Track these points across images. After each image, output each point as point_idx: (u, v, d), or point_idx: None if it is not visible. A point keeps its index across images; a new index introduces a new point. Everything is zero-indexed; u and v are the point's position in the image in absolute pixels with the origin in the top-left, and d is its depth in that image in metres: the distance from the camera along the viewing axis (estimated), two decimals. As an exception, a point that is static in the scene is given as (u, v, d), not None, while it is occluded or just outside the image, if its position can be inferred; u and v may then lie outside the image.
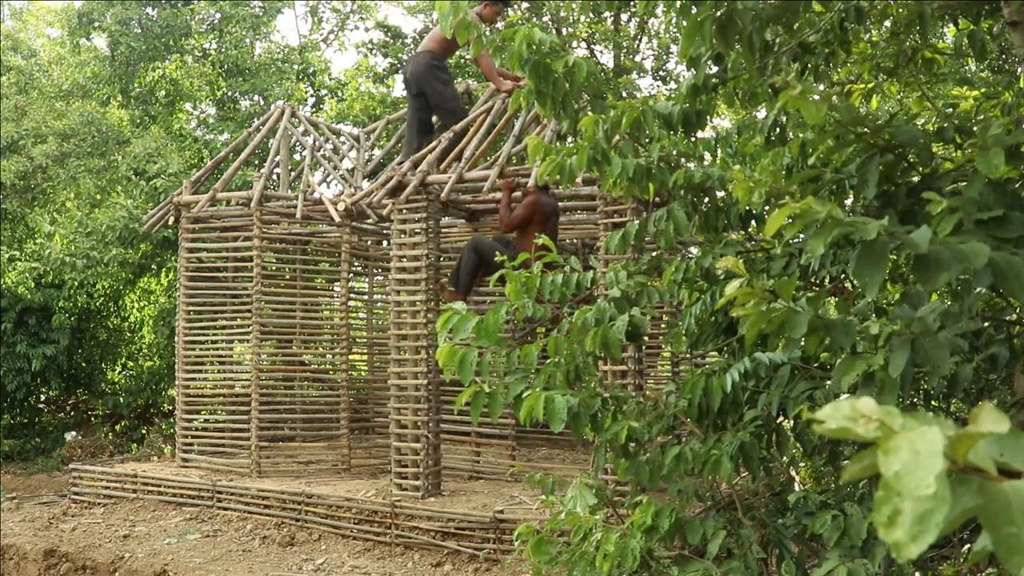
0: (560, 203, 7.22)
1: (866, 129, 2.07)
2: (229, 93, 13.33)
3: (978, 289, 1.72)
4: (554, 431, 2.75)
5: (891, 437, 0.69)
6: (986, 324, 2.57)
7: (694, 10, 2.48)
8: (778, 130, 3.07)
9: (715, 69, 2.93)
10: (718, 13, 2.33)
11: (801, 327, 1.52)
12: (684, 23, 2.45)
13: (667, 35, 13.80)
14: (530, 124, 7.08)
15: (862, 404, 0.73)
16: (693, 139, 3.25)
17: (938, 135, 2.25)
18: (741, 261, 1.63)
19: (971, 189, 1.84)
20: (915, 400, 3.51)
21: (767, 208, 2.92)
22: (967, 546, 3.59)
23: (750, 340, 1.64)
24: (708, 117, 3.04)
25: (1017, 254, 1.54)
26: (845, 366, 1.69)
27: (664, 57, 14.10)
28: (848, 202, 2.87)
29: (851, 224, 1.44)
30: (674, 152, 3.12)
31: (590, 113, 2.98)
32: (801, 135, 2.58)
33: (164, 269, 11.56)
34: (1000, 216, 1.68)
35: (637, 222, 3.21)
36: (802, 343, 1.87)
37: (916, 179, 2.21)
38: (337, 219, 7.78)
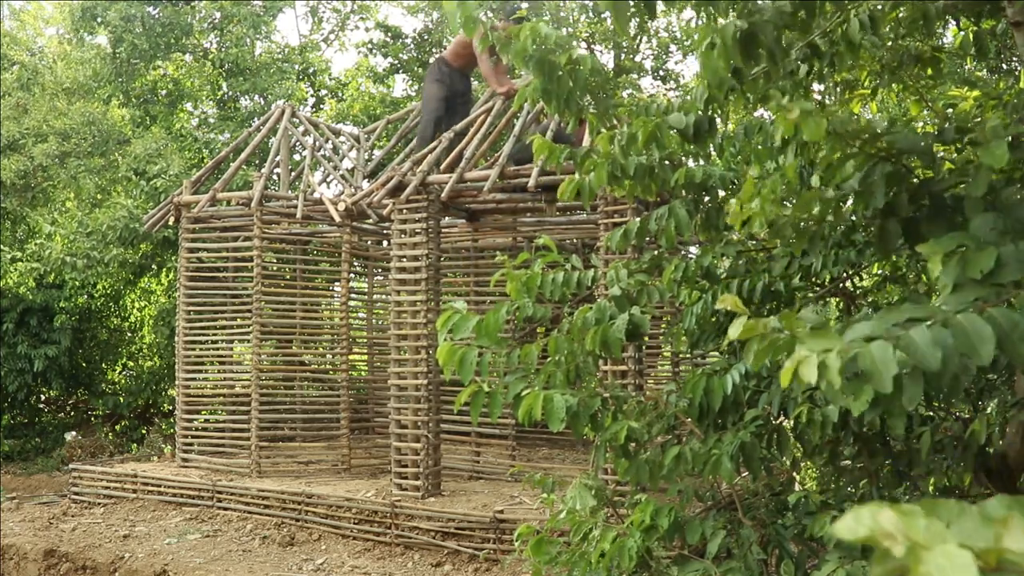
0: (560, 203, 7.21)
1: (865, 137, 2.07)
2: (229, 93, 13.33)
3: None
4: (553, 431, 2.75)
5: (920, 559, 0.69)
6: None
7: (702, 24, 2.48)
8: (778, 133, 3.06)
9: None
10: (739, 25, 2.32)
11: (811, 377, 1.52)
12: (703, 46, 2.44)
13: (667, 34, 13.80)
14: (530, 124, 7.08)
15: (884, 518, 0.73)
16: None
17: (939, 137, 2.25)
18: (740, 300, 1.63)
19: (976, 187, 1.84)
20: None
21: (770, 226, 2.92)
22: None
23: (756, 367, 1.64)
24: (723, 122, 3.04)
25: (1015, 300, 1.54)
26: (854, 388, 1.68)
27: (664, 57, 14.10)
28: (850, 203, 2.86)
29: (856, 349, 1.44)
30: (680, 153, 3.13)
31: (594, 111, 2.98)
32: (797, 140, 2.57)
33: (164, 269, 11.55)
34: (995, 263, 1.68)
35: (638, 220, 3.21)
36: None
37: (917, 183, 2.20)
38: (337, 219, 7.78)
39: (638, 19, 2.60)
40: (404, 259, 6.70)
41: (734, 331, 1.54)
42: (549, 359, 3.03)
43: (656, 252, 3.34)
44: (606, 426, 2.96)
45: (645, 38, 14.21)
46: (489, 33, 2.79)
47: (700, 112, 2.78)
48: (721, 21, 2.79)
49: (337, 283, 9.27)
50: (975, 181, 1.90)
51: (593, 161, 2.97)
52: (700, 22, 2.83)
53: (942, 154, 2.57)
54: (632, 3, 2.55)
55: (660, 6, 2.92)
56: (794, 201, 2.64)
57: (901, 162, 2.15)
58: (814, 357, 1.39)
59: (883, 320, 1.48)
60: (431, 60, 7.96)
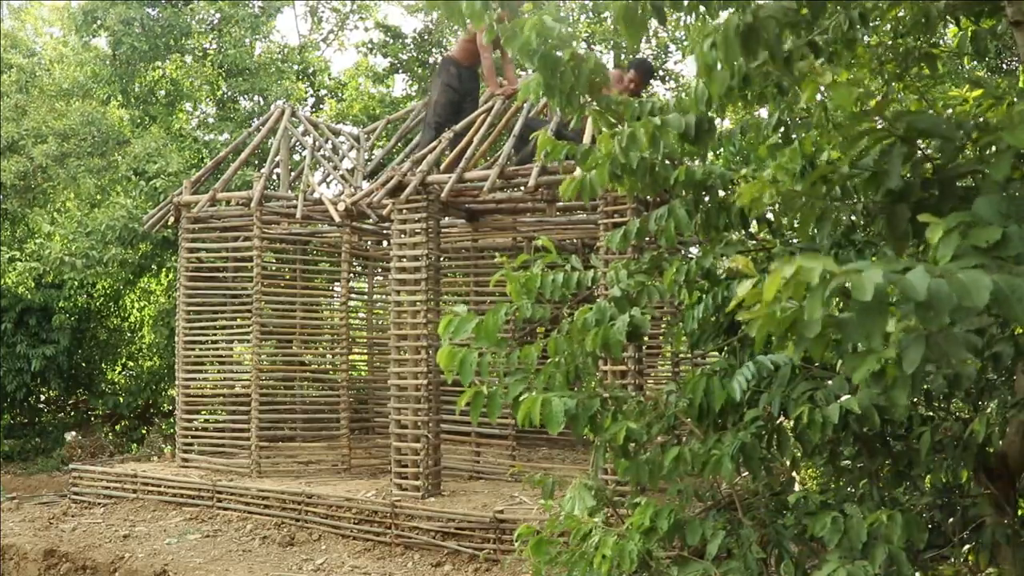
0: (560, 203, 7.21)
1: (890, 113, 2.05)
2: (229, 93, 13.32)
3: None
4: (551, 433, 2.74)
5: None
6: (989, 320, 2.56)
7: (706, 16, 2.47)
8: (783, 130, 3.06)
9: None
10: (741, 22, 2.30)
11: (815, 326, 1.51)
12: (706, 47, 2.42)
13: (666, 34, 13.79)
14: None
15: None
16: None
17: (960, 126, 2.23)
18: (751, 261, 1.62)
19: (998, 169, 1.82)
20: (916, 400, 3.51)
21: (772, 208, 2.91)
22: (967, 546, 3.59)
23: (760, 342, 1.63)
24: (721, 120, 3.04)
25: (1018, 271, 1.53)
26: (855, 362, 1.67)
27: (664, 57, 14.09)
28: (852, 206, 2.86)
29: (847, 275, 1.43)
30: (681, 153, 3.12)
31: (595, 107, 2.97)
32: (805, 134, 2.56)
33: (164, 269, 11.55)
34: (998, 240, 1.67)
35: (638, 221, 3.20)
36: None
37: (931, 169, 2.18)
38: (337, 219, 7.78)
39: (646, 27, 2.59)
40: (404, 259, 6.70)
41: (742, 290, 1.53)
42: (549, 361, 3.02)
43: (656, 252, 3.34)
44: (605, 427, 2.96)
45: (644, 39, 14.19)
46: (494, 26, 2.77)
47: (700, 112, 2.77)
48: (716, 21, 2.78)
49: (337, 283, 9.26)
50: (997, 163, 1.88)
51: (595, 159, 2.97)
52: (689, 20, 2.82)
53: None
54: (641, 12, 2.54)
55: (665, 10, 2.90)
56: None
57: (917, 146, 2.14)
58: (807, 268, 1.39)
59: (878, 265, 1.47)
60: (438, 60, 7.86)
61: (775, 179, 2.32)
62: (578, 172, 3.14)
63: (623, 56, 13.76)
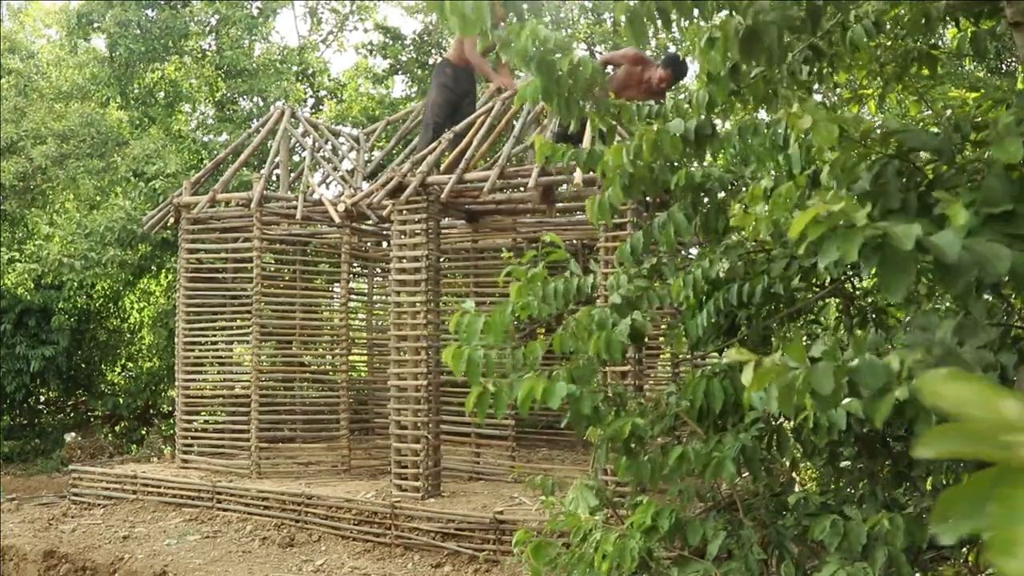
0: (560, 204, 7.22)
1: (876, 137, 2.06)
2: (228, 94, 13.31)
3: (984, 297, 1.72)
4: (552, 408, 2.73)
5: None
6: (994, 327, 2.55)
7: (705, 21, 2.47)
8: (781, 131, 3.06)
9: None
10: (742, 22, 2.30)
11: (828, 383, 1.50)
12: (705, 43, 2.42)
13: (665, 35, 13.79)
14: (530, 125, 7.08)
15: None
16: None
17: (956, 129, 2.23)
18: (745, 351, 1.62)
19: (988, 182, 1.83)
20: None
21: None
22: (966, 547, 3.59)
23: (759, 389, 1.64)
24: (722, 125, 3.05)
25: None
26: (873, 406, 1.67)
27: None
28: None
29: (881, 229, 1.42)
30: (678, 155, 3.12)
31: (594, 111, 2.98)
32: (802, 137, 2.56)
33: (163, 270, 11.54)
34: (1010, 211, 1.67)
35: (641, 234, 3.22)
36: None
37: (926, 183, 2.19)
38: (337, 220, 7.78)
39: (652, 29, 2.57)
40: (404, 260, 6.70)
41: (746, 377, 1.54)
42: (556, 366, 3.03)
43: (656, 258, 3.35)
44: (608, 422, 2.96)
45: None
46: (489, 32, 2.77)
47: (702, 117, 2.78)
48: (714, 22, 2.79)
49: (337, 284, 9.26)
50: (988, 175, 1.90)
51: (610, 179, 2.97)
52: (685, 23, 2.82)
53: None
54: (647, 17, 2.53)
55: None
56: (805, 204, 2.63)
57: (910, 160, 2.14)
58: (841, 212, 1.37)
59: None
60: (434, 62, 7.89)
61: (771, 212, 2.33)
62: (593, 181, 3.15)
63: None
